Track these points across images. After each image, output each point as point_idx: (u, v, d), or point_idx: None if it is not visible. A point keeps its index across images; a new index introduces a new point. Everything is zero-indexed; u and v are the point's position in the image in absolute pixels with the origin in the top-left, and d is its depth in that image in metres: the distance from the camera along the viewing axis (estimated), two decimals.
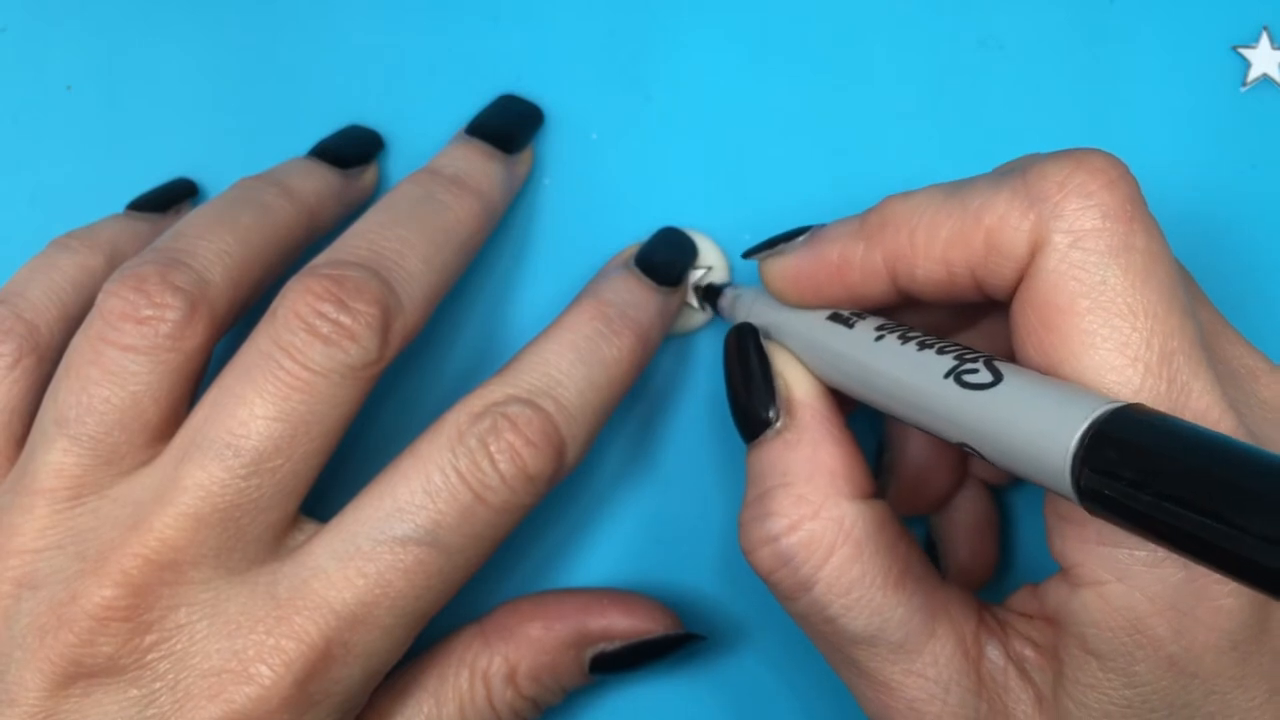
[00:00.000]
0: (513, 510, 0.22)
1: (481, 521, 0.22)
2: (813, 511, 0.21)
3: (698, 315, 0.28)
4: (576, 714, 0.27)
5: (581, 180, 0.29)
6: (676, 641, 0.25)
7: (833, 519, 0.21)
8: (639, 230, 0.28)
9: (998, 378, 0.19)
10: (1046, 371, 0.19)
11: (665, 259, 0.27)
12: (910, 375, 0.20)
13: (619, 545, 0.28)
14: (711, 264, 0.28)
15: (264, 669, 0.21)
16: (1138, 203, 0.20)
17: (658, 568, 0.28)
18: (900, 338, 0.21)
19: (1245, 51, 0.29)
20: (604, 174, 0.29)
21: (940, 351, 0.20)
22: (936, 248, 0.21)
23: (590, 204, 0.29)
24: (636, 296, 0.25)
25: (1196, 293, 0.22)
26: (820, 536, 0.21)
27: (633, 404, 0.28)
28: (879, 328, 0.22)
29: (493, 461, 0.22)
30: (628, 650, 0.25)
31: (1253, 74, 0.29)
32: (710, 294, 0.27)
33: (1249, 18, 0.29)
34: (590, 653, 0.25)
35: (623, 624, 0.25)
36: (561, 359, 0.23)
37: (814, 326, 0.23)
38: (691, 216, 0.28)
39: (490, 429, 0.22)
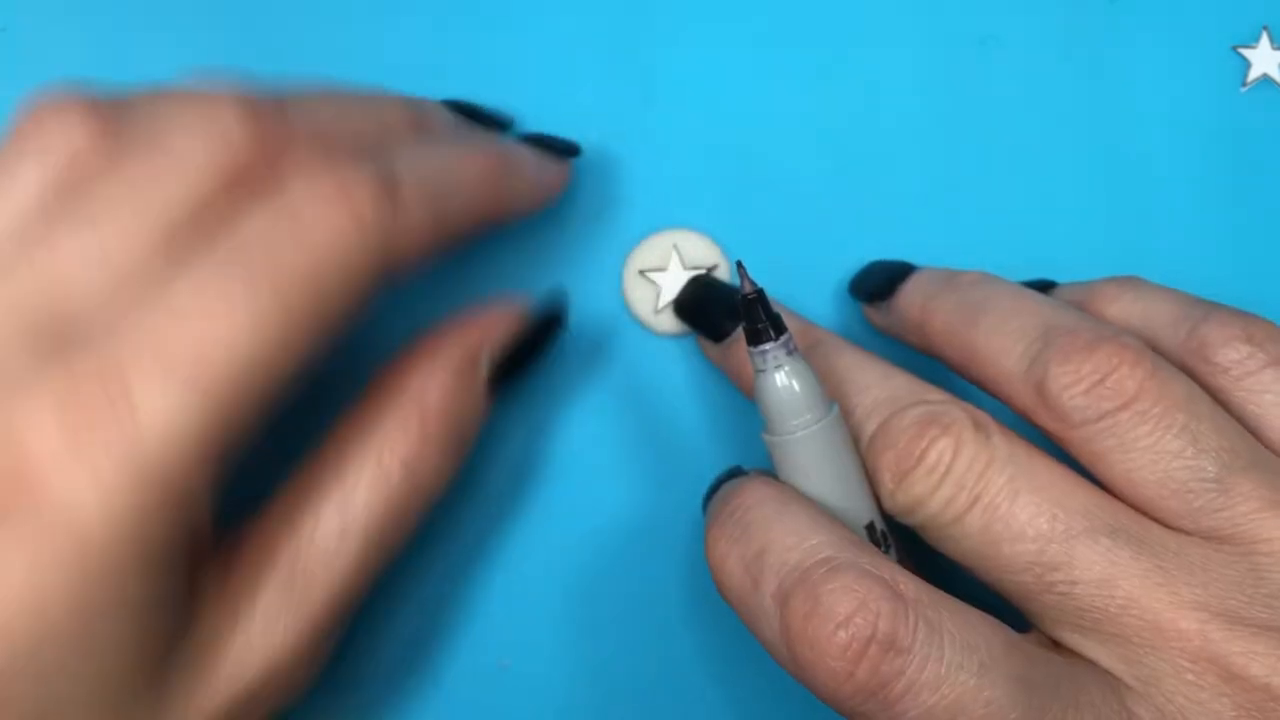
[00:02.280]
0: (350, 257, 0.21)
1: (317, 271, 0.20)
2: None
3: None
4: None
5: (582, 180, 0.29)
6: (549, 321, 0.25)
7: None
8: (639, 230, 0.28)
9: None
10: None
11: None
12: None
13: (608, 545, 0.28)
14: (714, 263, 0.28)
15: None
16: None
17: (659, 571, 0.28)
18: None
19: (1245, 51, 0.29)
20: (604, 174, 0.29)
21: None
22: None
23: (590, 204, 0.29)
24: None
25: None
26: None
27: (633, 406, 0.28)
28: None
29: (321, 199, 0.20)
30: (515, 347, 0.25)
31: (1253, 74, 0.29)
32: (751, 328, 0.22)
33: (1249, 18, 0.29)
34: (485, 363, 0.24)
35: (500, 324, 0.25)
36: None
37: None
38: (692, 217, 0.28)
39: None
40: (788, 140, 0.29)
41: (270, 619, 0.22)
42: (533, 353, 0.25)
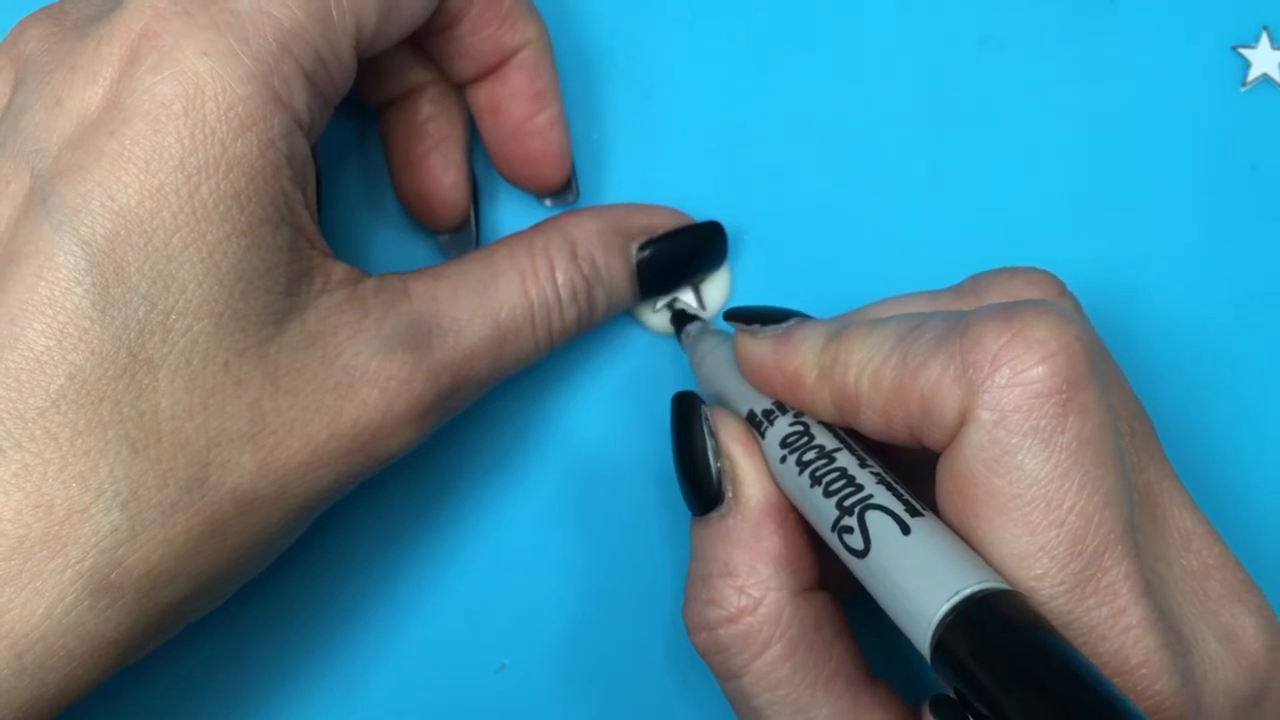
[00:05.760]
0: None
1: None
2: (752, 605, 0.21)
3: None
4: None
5: (582, 180, 0.29)
6: (708, 232, 0.27)
7: (770, 616, 0.21)
8: None
9: (867, 547, 0.19)
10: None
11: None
12: (803, 506, 0.21)
13: (608, 543, 0.28)
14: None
15: None
16: (1077, 379, 0.19)
17: (659, 570, 0.28)
18: (799, 462, 0.21)
19: (1245, 51, 0.29)
20: (604, 174, 0.29)
21: (828, 491, 0.20)
22: (879, 400, 0.20)
23: (589, 203, 0.29)
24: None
25: (1143, 451, 0.21)
26: (755, 632, 0.21)
27: (632, 404, 0.28)
28: (786, 441, 0.22)
29: None
30: (667, 236, 0.27)
31: (1253, 74, 0.29)
32: (678, 320, 0.27)
33: (1249, 18, 0.29)
34: (636, 245, 0.26)
35: (664, 219, 0.27)
36: None
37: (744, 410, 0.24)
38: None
39: None
40: (787, 140, 0.29)
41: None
42: (681, 258, 0.27)
